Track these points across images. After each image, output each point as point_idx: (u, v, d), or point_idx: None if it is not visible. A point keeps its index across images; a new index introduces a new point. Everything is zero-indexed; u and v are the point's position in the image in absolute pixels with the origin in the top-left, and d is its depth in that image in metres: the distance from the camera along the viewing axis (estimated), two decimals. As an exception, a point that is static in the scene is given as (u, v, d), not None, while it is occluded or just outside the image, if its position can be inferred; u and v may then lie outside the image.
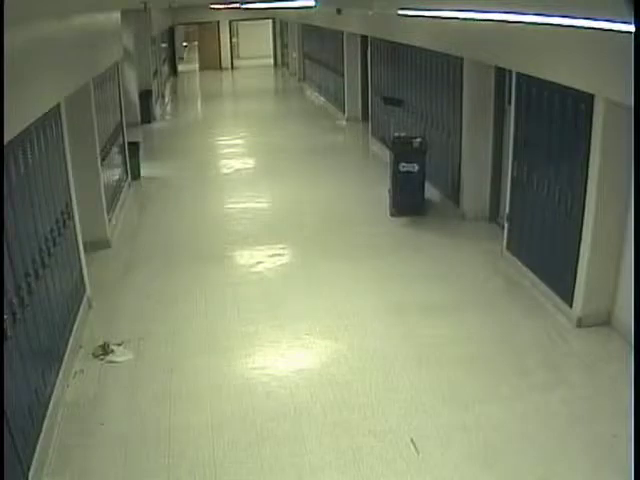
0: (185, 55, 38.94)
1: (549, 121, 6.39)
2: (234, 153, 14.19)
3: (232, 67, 32.09)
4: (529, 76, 6.50)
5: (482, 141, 8.64)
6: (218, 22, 29.61)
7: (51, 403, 4.97)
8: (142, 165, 12.02)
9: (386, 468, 4.44)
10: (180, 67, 31.81)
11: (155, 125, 17.64)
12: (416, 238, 8.58)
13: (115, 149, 10.09)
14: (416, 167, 9.03)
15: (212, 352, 5.98)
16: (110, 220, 8.83)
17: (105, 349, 5.97)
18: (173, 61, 29.67)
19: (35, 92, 5.15)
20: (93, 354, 5.94)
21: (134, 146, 11.67)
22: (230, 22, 30.98)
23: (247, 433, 4.84)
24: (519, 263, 7.23)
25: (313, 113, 18.99)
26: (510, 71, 7.46)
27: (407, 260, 7.85)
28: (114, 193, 9.69)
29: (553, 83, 5.97)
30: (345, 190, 10.85)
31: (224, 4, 14.59)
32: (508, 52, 6.81)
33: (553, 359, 5.66)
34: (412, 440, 4.68)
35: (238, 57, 35.25)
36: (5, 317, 4.05)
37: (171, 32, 28.85)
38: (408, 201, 9.19)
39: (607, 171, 5.59)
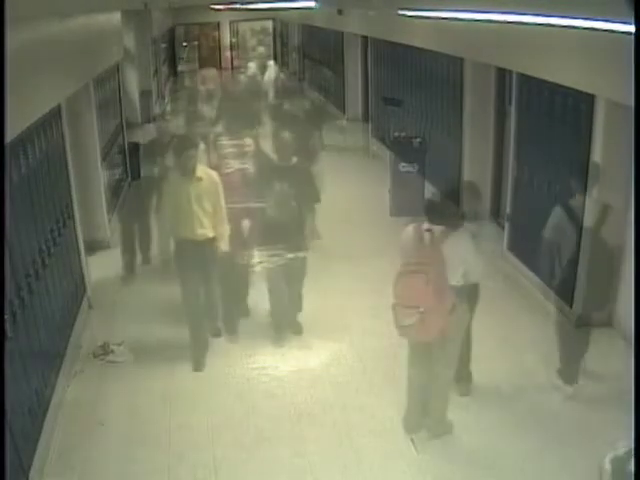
0: (185, 55, 38.89)
1: (550, 121, 6.39)
2: (234, 153, 14.13)
3: (232, 67, 32.07)
4: (530, 76, 6.50)
5: (482, 141, 8.63)
6: (218, 23, 29.56)
7: (51, 403, 4.97)
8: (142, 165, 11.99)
9: (386, 468, 4.44)
10: (180, 67, 31.78)
11: (155, 125, 17.60)
12: (416, 238, 8.56)
13: (115, 149, 10.09)
14: (416, 167, 9.04)
15: (212, 352, 5.97)
16: (110, 220, 8.83)
17: (105, 349, 5.97)
18: (173, 61, 29.66)
19: (36, 92, 5.15)
20: (93, 354, 5.95)
21: (134, 146, 11.65)
22: (230, 22, 30.95)
23: (247, 433, 4.84)
24: (520, 263, 7.23)
25: (313, 113, 18.92)
26: (511, 71, 7.46)
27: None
28: (114, 193, 9.68)
29: (554, 83, 5.97)
30: (345, 190, 10.81)
31: (224, 4, 14.56)
32: (508, 52, 6.79)
33: (553, 359, 5.65)
34: (412, 440, 4.68)
35: (238, 57, 35.19)
36: (5, 317, 4.05)
37: (171, 32, 28.83)
38: (408, 201, 9.18)
39: (607, 171, 5.58)
